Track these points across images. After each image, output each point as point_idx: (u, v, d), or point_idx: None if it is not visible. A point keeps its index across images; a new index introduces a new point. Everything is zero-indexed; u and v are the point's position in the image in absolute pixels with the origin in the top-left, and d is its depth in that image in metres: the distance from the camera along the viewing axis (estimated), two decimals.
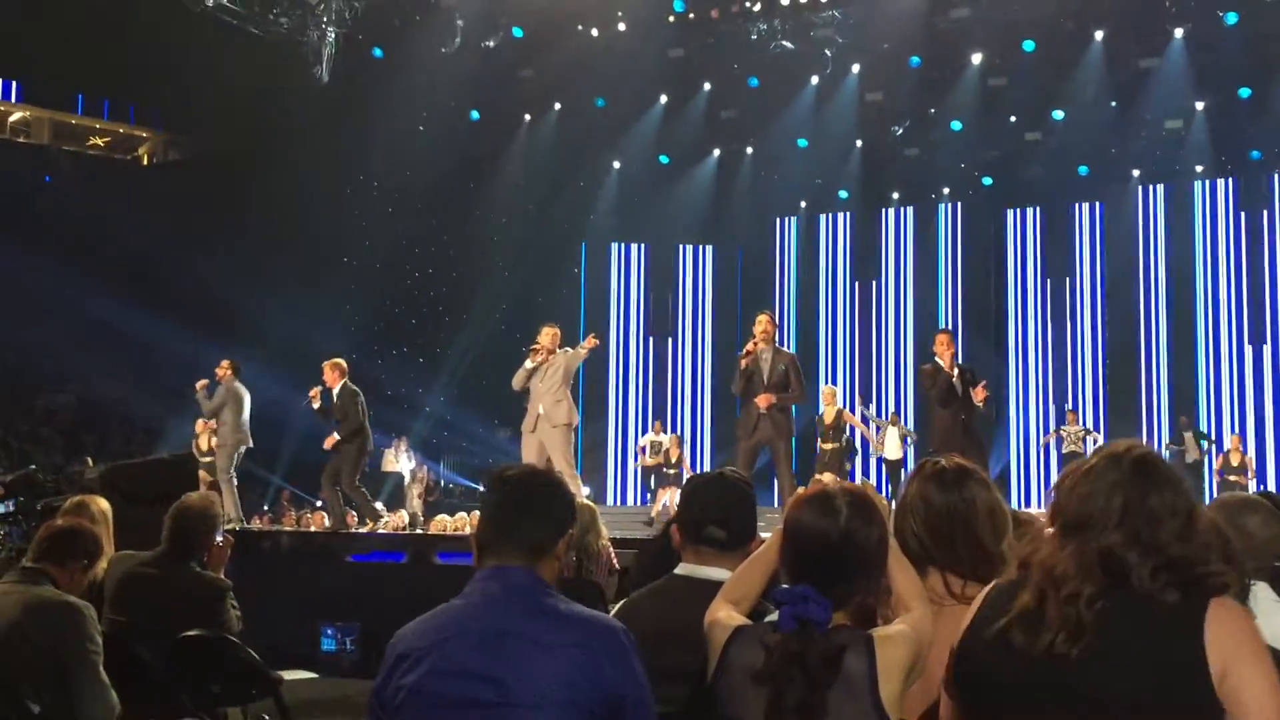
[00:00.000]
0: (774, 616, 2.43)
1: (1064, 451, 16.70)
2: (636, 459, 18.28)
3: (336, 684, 7.84)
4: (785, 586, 2.45)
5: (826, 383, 13.56)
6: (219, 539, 5.08)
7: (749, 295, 22.52)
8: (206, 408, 12.55)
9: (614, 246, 22.66)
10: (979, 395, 9.79)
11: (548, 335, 10.46)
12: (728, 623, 2.48)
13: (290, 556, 10.33)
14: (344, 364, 11.61)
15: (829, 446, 13.01)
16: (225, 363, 12.54)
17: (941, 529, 2.66)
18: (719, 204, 21.93)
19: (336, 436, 11.30)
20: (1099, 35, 18.23)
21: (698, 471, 16.99)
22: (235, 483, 12.41)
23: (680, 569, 3.08)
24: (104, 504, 5.39)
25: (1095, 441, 16.81)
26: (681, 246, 22.42)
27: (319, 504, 16.62)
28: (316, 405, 11.46)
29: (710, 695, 2.46)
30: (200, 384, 12.58)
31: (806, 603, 2.32)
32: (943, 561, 2.65)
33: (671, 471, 16.60)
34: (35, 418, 19.73)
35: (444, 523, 13.24)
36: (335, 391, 11.40)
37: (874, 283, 21.48)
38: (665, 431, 17.48)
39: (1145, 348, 19.84)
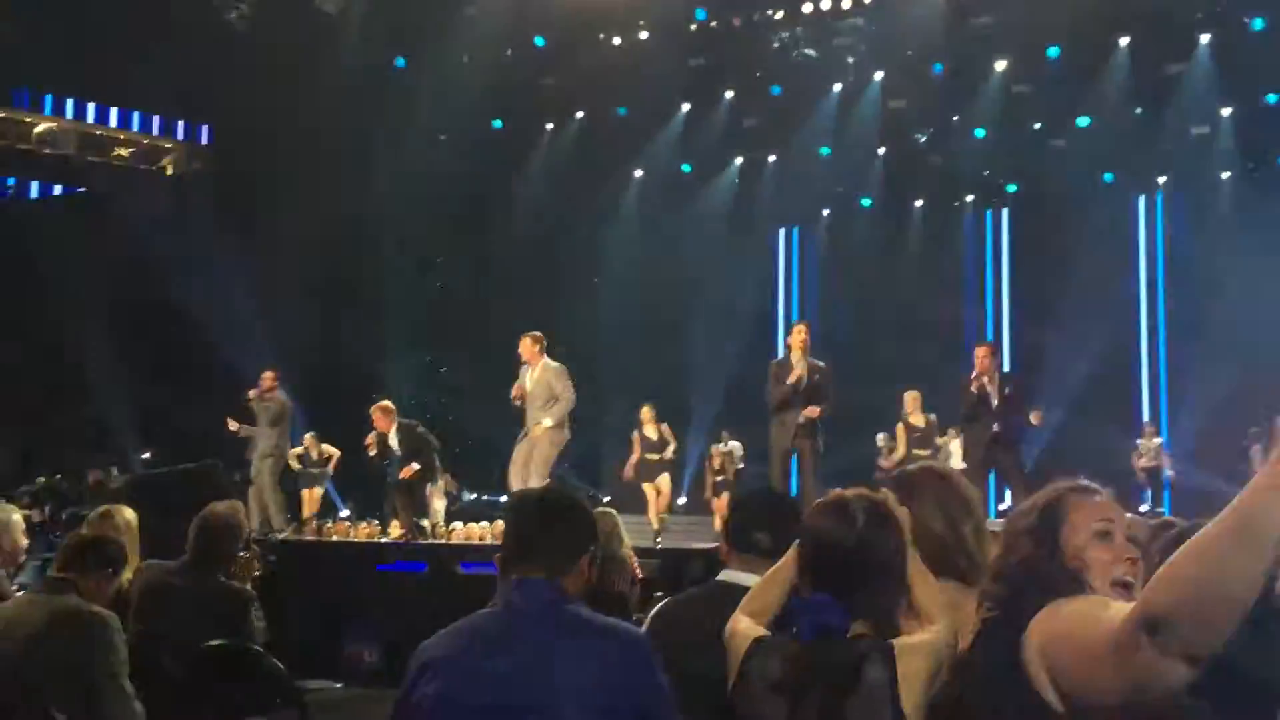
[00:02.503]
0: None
1: (1142, 465, 16.52)
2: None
3: (360, 693, 7.87)
4: (804, 596, 2.44)
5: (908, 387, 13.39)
6: (245, 549, 5.10)
7: (769, 305, 22.52)
8: (266, 422, 12.44)
9: (637, 256, 22.65)
10: (1036, 418, 9.87)
11: (523, 346, 10.63)
12: (748, 633, 2.48)
13: (314, 566, 10.36)
14: (392, 405, 11.74)
15: (924, 453, 12.80)
16: (270, 374, 12.56)
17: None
18: (741, 212, 21.91)
19: (415, 466, 11.46)
20: (1124, 41, 18.13)
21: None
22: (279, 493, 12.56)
23: (723, 575, 3.12)
24: (129, 514, 5.43)
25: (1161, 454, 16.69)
26: (704, 256, 22.39)
27: (343, 513, 16.69)
28: (373, 453, 11.61)
29: (730, 706, 2.46)
30: (235, 426, 12.56)
31: (825, 612, 2.31)
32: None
33: (720, 479, 16.49)
34: (60, 427, 19.85)
35: (465, 531, 13.25)
36: (393, 435, 11.54)
37: (898, 292, 21.37)
38: (725, 441, 17.30)
39: (1179, 358, 19.67)
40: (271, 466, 12.39)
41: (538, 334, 10.66)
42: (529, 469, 10.15)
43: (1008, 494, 11.57)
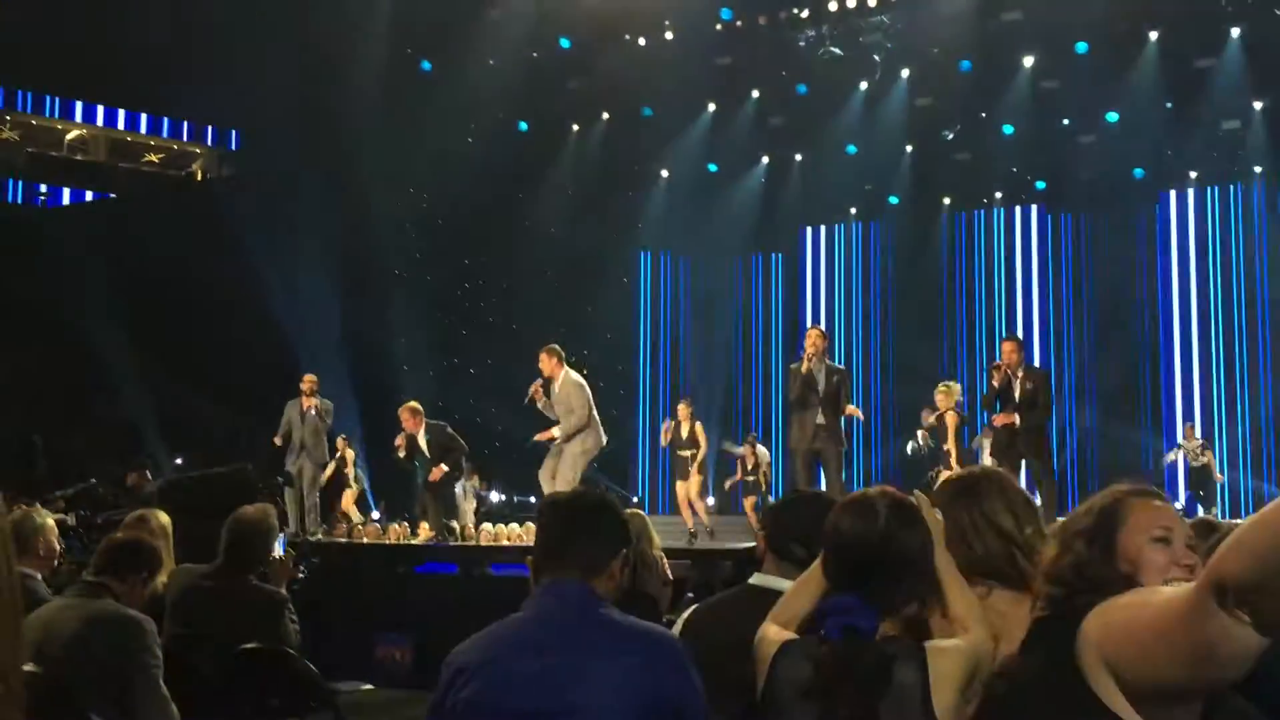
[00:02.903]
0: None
1: (1193, 465, 16.41)
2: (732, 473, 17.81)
3: (392, 695, 7.91)
4: (830, 597, 2.43)
5: (945, 381, 13.25)
6: (279, 552, 5.13)
7: (797, 303, 22.47)
8: (325, 429, 12.65)
9: (664, 256, 22.68)
10: (999, 420, 9.90)
11: (540, 361, 10.67)
12: (775, 639, 2.47)
13: (345, 568, 10.41)
14: (419, 406, 11.82)
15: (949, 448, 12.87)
16: (310, 378, 12.64)
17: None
18: (768, 211, 21.88)
19: (444, 467, 11.52)
20: (1154, 35, 17.99)
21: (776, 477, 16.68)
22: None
23: (755, 579, 3.11)
24: (163, 517, 5.47)
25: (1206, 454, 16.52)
26: (732, 256, 22.38)
27: (375, 515, 16.77)
28: (402, 454, 11.70)
29: (760, 711, 2.45)
30: (280, 440, 12.68)
31: (852, 612, 2.29)
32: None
33: (751, 479, 16.51)
34: (91, 432, 20.02)
35: (494, 532, 13.30)
36: (421, 436, 11.61)
37: (927, 289, 21.30)
38: (753, 444, 17.33)
39: (1210, 356, 19.50)
40: (316, 474, 12.59)
41: (554, 346, 10.71)
42: (554, 479, 10.22)
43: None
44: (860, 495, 2.53)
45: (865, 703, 2.24)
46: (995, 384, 10.05)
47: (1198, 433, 17.14)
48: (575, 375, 10.58)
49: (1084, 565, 2.09)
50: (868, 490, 2.55)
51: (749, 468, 16.63)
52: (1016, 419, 9.89)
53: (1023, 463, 10.25)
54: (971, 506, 2.63)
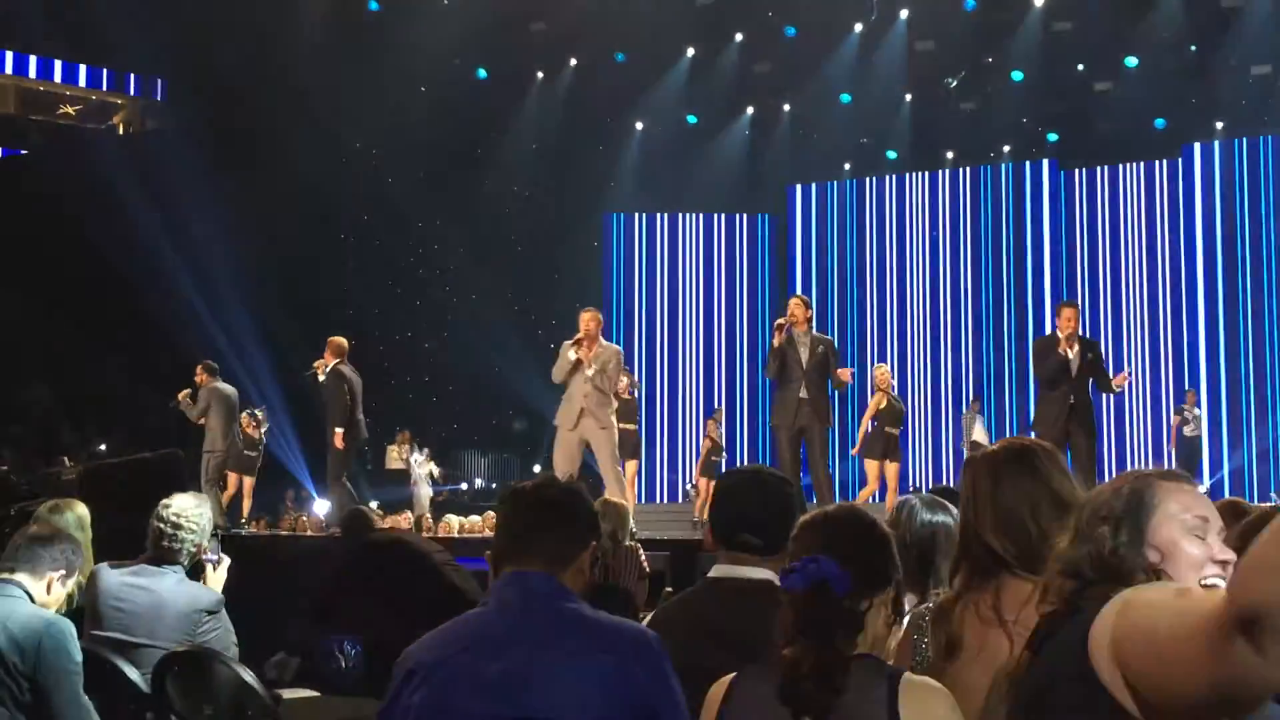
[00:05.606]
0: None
1: (1188, 435, 16.56)
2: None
3: (340, 702, 7.90)
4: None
5: (878, 363, 13.60)
6: (211, 546, 5.10)
7: (785, 270, 22.48)
8: (194, 413, 12.88)
9: (638, 217, 22.63)
10: (1119, 381, 10.02)
11: (587, 320, 10.36)
12: (719, 684, 2.38)
13: (287, 563, 10.38)
14: (342, 343, 11.64)
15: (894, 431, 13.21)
16: (201, 367, 12.90)
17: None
18: (753, 168, 21.87)
19: (339, 430, 11.35)
20: None
21: (733, 458, 16.72)
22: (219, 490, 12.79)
23: (714, 571, 3.10)
24: (82, 509, 5.42)
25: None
26: (714, 216, 22.36)
27: (316, 504, 16.74)
28: (321, 378, 11.53)
29: None
30: (182, 394, 12.88)
31: (822, 564, 2.22)
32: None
33: (715, 459, 16.60)
34: (6, 413, 19.90)
35: (455, 524, 13.30)
36: (324, 372, 11.46)
37: (927, 252, 21.35)
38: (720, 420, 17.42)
39: (1235, 321, 19.65)
40: (220, 462, 12.82)
41: (594, 311, 10.53)
42: (606, 473, 10.01)
43: None
44: (816, 516, 2.46)
45: (832, 655, 2.18)
46: (1060, 353, 9.98)
47: (1199, 403, 17.27)
48: (613, 345, 10.43)
49: (1107, 554, 2.07)
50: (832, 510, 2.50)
51: (719, 446, 16.72)
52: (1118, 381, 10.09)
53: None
54: (1027, 480, 2.62)
